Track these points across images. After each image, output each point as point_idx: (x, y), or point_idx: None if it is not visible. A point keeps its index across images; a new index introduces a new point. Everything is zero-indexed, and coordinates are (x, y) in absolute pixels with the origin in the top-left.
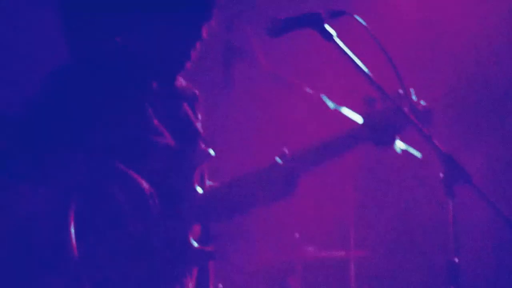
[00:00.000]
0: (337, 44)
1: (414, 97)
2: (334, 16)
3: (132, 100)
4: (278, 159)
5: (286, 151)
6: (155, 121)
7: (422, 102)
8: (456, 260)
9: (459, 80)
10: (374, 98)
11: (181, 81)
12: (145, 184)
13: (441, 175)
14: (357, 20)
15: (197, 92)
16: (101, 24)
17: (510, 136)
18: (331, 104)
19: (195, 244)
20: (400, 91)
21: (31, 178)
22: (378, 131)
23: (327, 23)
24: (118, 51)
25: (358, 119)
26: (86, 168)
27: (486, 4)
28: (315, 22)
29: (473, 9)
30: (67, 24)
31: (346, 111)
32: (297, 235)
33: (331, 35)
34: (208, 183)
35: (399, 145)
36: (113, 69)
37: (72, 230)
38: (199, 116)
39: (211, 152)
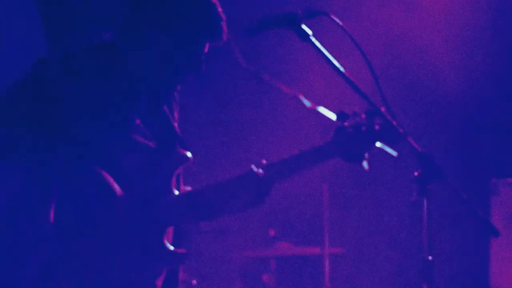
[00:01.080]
0: (314, 44)
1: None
2: (311, 16)
3: (118, 100)
4: (254, 167)
5: (263, 161)
6: (138, 121)
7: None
8: (430, 258)
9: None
10: (346, 114)
11: None
12: (116, 187)
13: (416, 173)
14: (334, 20)
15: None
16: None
17: (479, 135)
18: (308, 104)
19: (170, 247)
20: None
21: (10, 158)
22: (348, 148)
23: (304, 23)
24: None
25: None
26: (64, 161)
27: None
28: (292, 22)
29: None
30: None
31: (323, 111)
32: (272, 232)
33: (307, 35)
34: (185, 186)
35: (367, 164)
36: (102, 66)
37: (51, 218)
38: (175, 116)
39: (189, 154)
